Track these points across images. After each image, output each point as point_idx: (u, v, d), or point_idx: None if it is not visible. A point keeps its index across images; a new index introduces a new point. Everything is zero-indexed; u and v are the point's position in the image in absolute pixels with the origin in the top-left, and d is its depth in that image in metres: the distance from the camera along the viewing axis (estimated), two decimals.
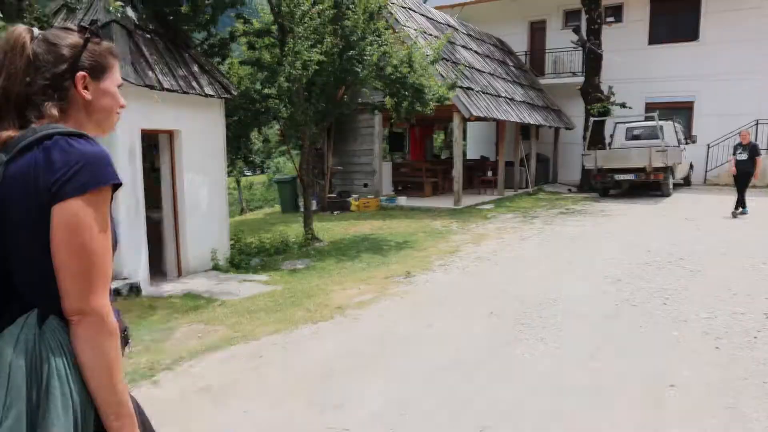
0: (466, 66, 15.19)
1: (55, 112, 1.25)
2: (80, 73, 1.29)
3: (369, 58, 9.09)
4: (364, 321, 5.45)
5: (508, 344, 4.66)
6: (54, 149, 1.16)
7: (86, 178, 1.16)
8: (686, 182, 17.56)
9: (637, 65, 20.06)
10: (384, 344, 4.84)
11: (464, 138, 26.12)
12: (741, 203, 11.18)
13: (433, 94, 9.88)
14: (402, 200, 14.37)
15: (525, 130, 18.62)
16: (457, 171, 13.52)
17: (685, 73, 19.42)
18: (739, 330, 4.79)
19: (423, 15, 15.95)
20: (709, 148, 18.31)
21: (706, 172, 18.42)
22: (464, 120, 13.31)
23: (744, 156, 11.08)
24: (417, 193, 16.14)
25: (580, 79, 19.29)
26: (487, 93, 14.95)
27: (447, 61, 14.32)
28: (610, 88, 18.58)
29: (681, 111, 19.27)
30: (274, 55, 8.97)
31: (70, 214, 1.15)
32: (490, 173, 16.48)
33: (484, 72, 16.27)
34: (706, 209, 12.27)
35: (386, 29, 9.78)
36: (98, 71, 1.33)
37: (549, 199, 15.34)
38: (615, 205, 13.51)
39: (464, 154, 26.09)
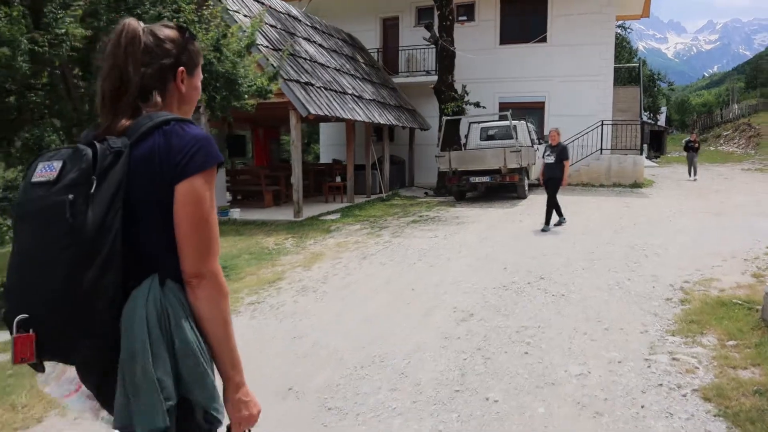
0: (306, 59, 13.52)
1: (159, 100, 1.42)
2: (181, 68, 1.47)
3: None
4: None
5: None
6: (172, 134, 1.33)
7: (203, 158, 1.33)
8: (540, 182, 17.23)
9: (490, 65, 19.67)
10: None
11: (316, 140, 24.59)
12: (549, 216, 9.47)
13: (249, 86, 8.03)
14: (236, 213, 12.32)
15: (379, 132, 17.37)
16: (297, 178, 11.76)
17: (535, 74, 19.33)
18: (620, 393, 3.47)
19: (257, 1, 14.00)
20: None
21: None
22: (301, 119, 11.58)
23: (551, 159, 9.49)
24: (256, 203, 14.16)
25: (435, 78, 18.44)
26: (330, 89, 13.35)
27: (282, 52, 12.52)
28: (464, 87, 17.90)
29: (533, 111, 19.10)
30: (18, 28, 6.60)
31: (193, 190, 1.31)
32: (338, 178, 14.90)
33: (329, 67, 14.68)
34: (563, 212, 11.58)
35: (188, 4, 7.75)
36: (192, 68, 1.52)
37: (403, 205, 14.07)
38: (470, 210, 12.49)
39: (318, 157, 24.60)
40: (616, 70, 23.04)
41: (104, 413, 1.44)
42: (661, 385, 3.55)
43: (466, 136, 16.18)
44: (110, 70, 1.39)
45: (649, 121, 40.80)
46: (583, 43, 18.80)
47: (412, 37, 20.35)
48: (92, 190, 1.26)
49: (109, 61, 1.40)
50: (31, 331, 1.25)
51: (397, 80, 20.28)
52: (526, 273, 6.55)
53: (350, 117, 13.22)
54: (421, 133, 19.27)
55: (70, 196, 1.24)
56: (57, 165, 1.30)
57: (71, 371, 1.39)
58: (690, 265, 6.57)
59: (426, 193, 17.08)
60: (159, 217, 1.33)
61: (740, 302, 5.03)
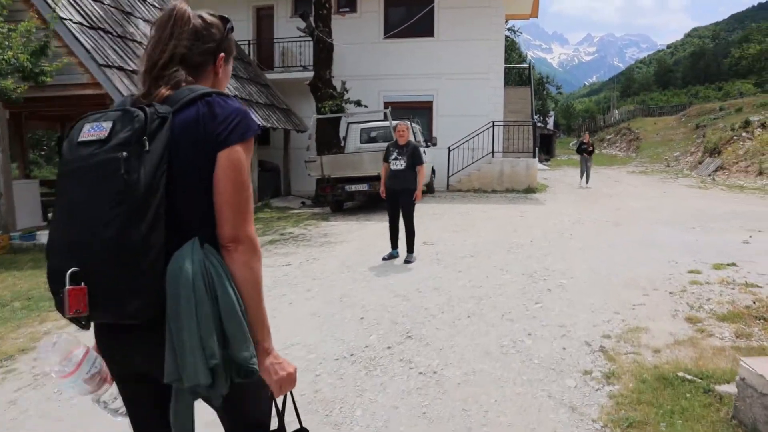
0: (141, 44, 10.97)
1: (190, 78, 1.45)
2: (222, 53, 1.54)
3: None
4: None
5: None
6: (214, 104, 1.37)
7: (244, 128, 1.38)
8: (429, 189, 15.67)
9: (374, 60, 17.98)
10: None
11: None
12: (411, 242, 7.08)
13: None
14: (46, 236, 9.56)
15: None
16: None
17: (422, 71, 17.88)
18: None
19: None
20: (450, 151, 16.77)
21: (448, 177, 16.85)
22: None
23: (401, 164, 6.98)
24: None
25: (312, 74, 16.38)
26: None
27: (109, 33, 9.95)
28: (344, 83, 15.99)
29: (421, 111, 17.59)
30: None
31: (235, 158, 1.36)
32: None
33: None
34: (449, 224, 9.91)
35: None
36: (228, 56, 1.58)
37: (269, 219, 11.86)
38: (344, 225, 10.53)
39: None
40: (506, 71, 22.18)
41: (105, 396, 1.48)
42: None
43: (344, 138, 14.25)
44: (157, 42, 1.45)
45: (540, 124, 41.15)
46: (471, 39, 17.56)
47: (289, 28, 18.20)
48: (146, 149, 1.28)
49: (157, 34, 1.46)
50: (82, 284, 1.26)
51: (271, 76, 18.05)
52: (389, 326, 4.61)
53: None
54: (298, 135, 17.15)
55: (124, 154, 1.27)
56: (106, 125, 1.33)
57: (76, 352, 1.40)
58: (605, 304, 4.93)
59: (303, 203, 14.97)
60: (197, 183, 1.35)
61: (689, 377, 3.35)
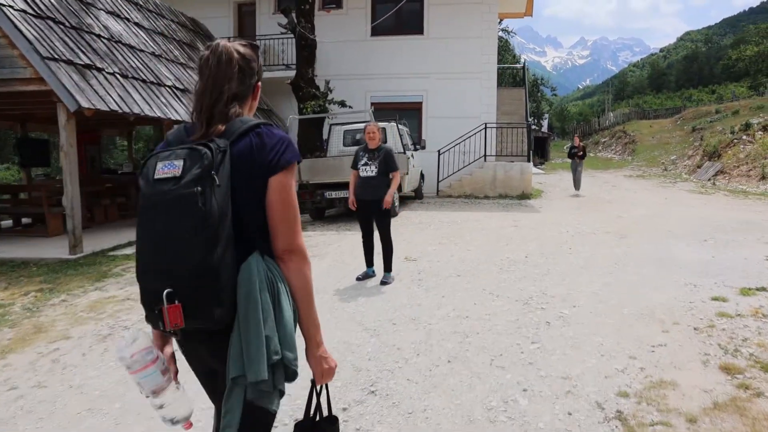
0: (100, 36, 10.01)
1: (239, 110, 1.63)
2: (259, 84, 1.71)
3: None
4: None
5: None
6: (264, 135, 1.56)
7: (290, 155, 1.57)
8: (418, 195, 14.78)
9: (359, 59, 17.10)
10: None
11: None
12: (388, 260, 6.24)
13: None
14: None
15: None
16: (70, 197, 8.25)
17: (411, 70, 17.00)
18: None
19: None
20: (440, 154, 15.89)
21: (438, 182, 15.96)
22: (73, 116, 8.11)
23: (372, 170, 6.02)
24: (40, 231, 10.44)
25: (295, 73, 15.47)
26: (136, 78, 9.96)
27: (61, 24, 8.98)
28: (327, 83, 15.09)
29: (410, 112, 16.69)
30: None
31: (284, 181, 1.55)
32: None
33: (142, 51, 11.23)
34: (435, 236, 9.00)
35: None
36: (260, 81, 1.73)
37: None
38: (322, 235, 9.59)
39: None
40: (499, 71, 21.32)
41: (167, 397, 1.56)
42: None
43: (327, 141, 13.33)
44: (213, 87, 1.59)
45: (534, 126, 40.37)
46: (463, 36, 16.70)
47: (271, 25, 17.31)
48: (217, 183, 1.45)
49: (211, 78, 1.59)
50: (176, 302, 1.43)
51: None
52: (350, 375, 3.68)
53: (160, 114, 9.87)
54: None
55: (198, 189, 1.44)
56: (178, 163, 1.48)
57: (151, 348, 1.53)
58: (617, 345, 4.02)
59: None
60: (253, 203, 1.54)
61: None
